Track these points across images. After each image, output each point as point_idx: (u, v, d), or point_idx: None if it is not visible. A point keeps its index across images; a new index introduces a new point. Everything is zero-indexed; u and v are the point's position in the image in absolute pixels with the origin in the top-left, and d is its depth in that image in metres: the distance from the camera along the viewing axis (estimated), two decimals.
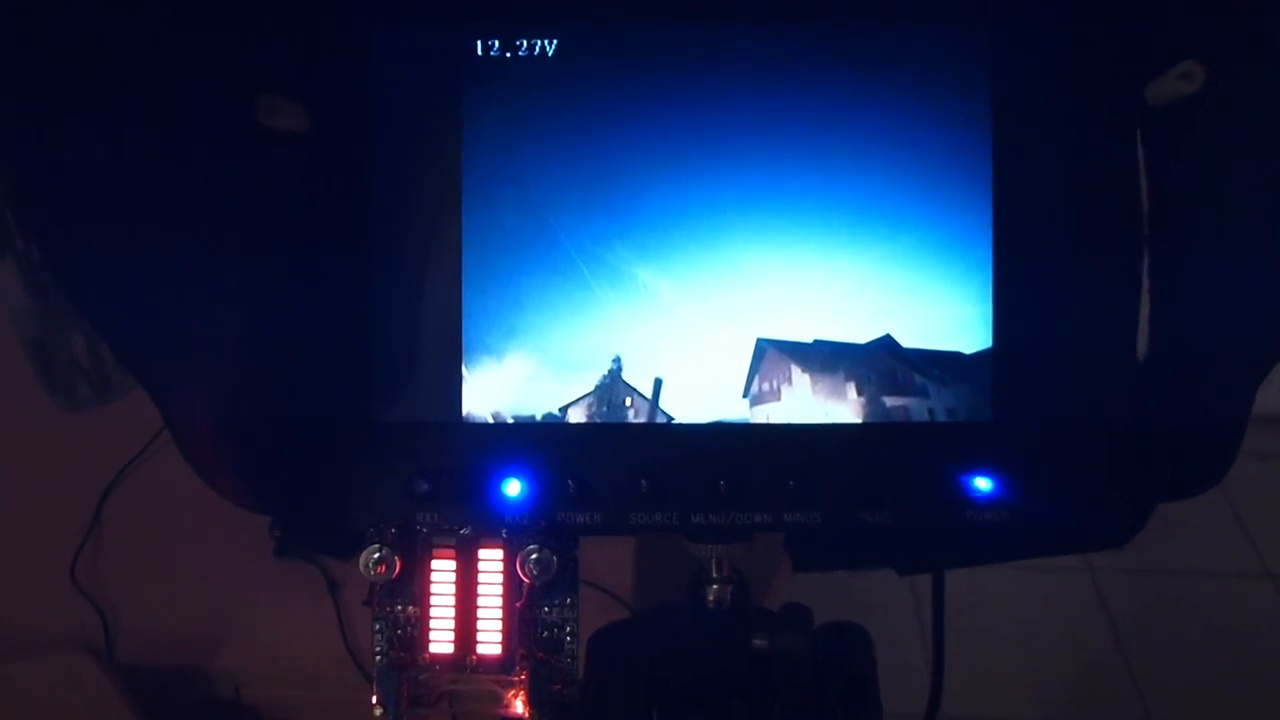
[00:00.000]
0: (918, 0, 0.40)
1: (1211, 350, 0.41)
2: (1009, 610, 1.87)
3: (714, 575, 0.45)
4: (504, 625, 0.42)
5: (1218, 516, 2.08)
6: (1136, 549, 2.04)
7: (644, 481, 0.41)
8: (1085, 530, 0.43)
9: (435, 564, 0.42)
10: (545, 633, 0.43)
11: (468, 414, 0.42)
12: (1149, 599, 1.92)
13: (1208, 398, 0.41)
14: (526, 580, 0.41)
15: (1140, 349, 0.42)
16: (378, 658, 0.43)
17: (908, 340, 0.42)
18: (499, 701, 0.43)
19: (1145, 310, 0.42)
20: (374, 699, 0.43)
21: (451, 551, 0.42)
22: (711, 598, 0.45)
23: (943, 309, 0.42)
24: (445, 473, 0.41)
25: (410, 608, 0.43)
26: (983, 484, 0.41)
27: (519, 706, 0.43)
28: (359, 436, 0.42)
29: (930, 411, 0.42)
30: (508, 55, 0.41)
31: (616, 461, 0.42)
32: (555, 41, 0.41)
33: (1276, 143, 0.38)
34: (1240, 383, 0.39)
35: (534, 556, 0.41)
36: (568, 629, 0.43)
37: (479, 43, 0.41)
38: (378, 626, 0.43)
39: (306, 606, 0.95)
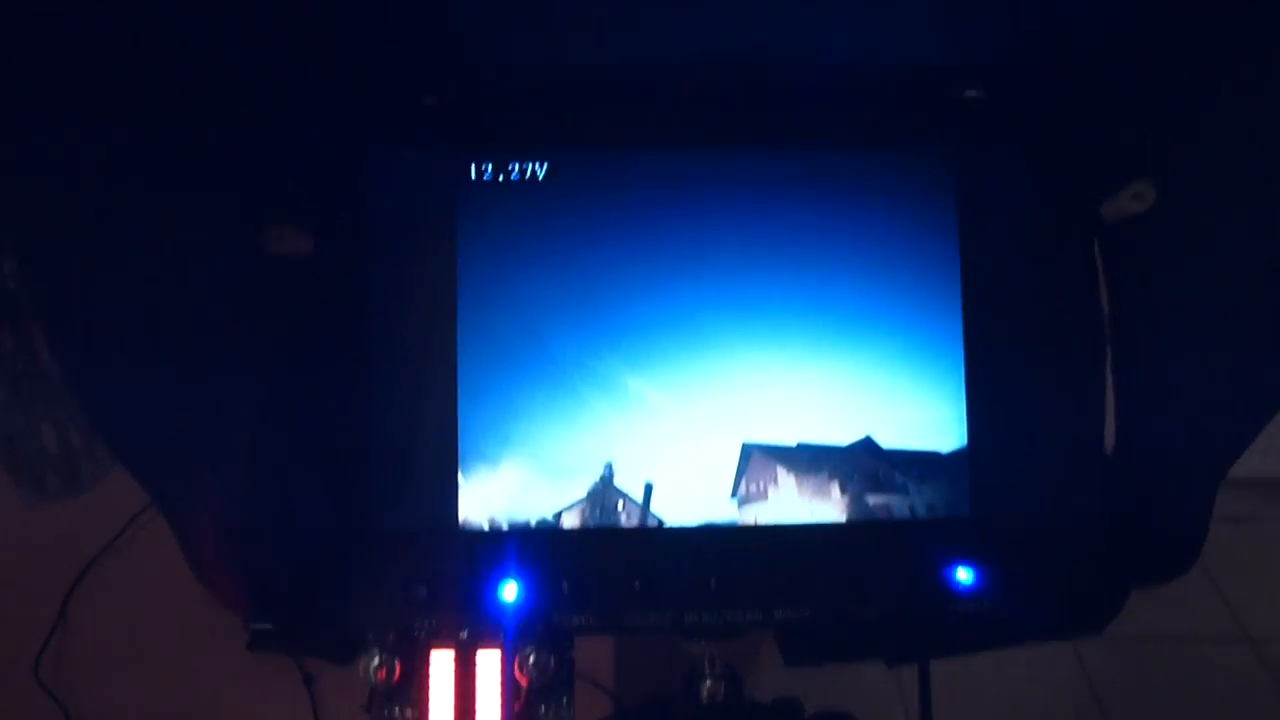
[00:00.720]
0: (886, 125, 0.43)
1: (1175, 447, 0.43)
2: (992, 679, 1.88)
3: (707, 671, 0.46)
4: None
5: (1195, 582, 2.09)
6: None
7: (637, 582, 0.43)
8: (1066, 618, 0.45)
9: (435, 655, 0.42)
10: None
11: (464, 521, 0.44)
12: (1129, 665, 1.94)
13: (1173, 490, 0.43)
14: (524, 682, 0.42)
15: (1108, 445, 0.44)
16: None
17: (887, 441, 0.44)
18: None
19: (1111, 408, 0.44)
20: None
21: (451, 643, 0.42)
22: (705, 693, 0.46)
23: (919, 410, 0.44)
24: (443, 578, 0.43)
25: (409, 710, 0.44)
26: (964, 576, 0.43)
27: None
28: (357, 545, 0.43)
29: (911, 508, 0.44)
30: (500, 178, 0.43)
31: (610, 564, 0.43)
32: (545, 165, 0.43)
33: (1224, 256, 0.40)
34: (1203, 477, 0.41)
35: (531, 659, 0.42)
36: None
37: (473, 166, 0.43)
38: None
39: (282, 701, 0.94)
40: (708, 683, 0.46)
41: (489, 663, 0.43)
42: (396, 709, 0.44)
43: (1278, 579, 2.11)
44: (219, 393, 0.39)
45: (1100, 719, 1.83)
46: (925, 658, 0.47)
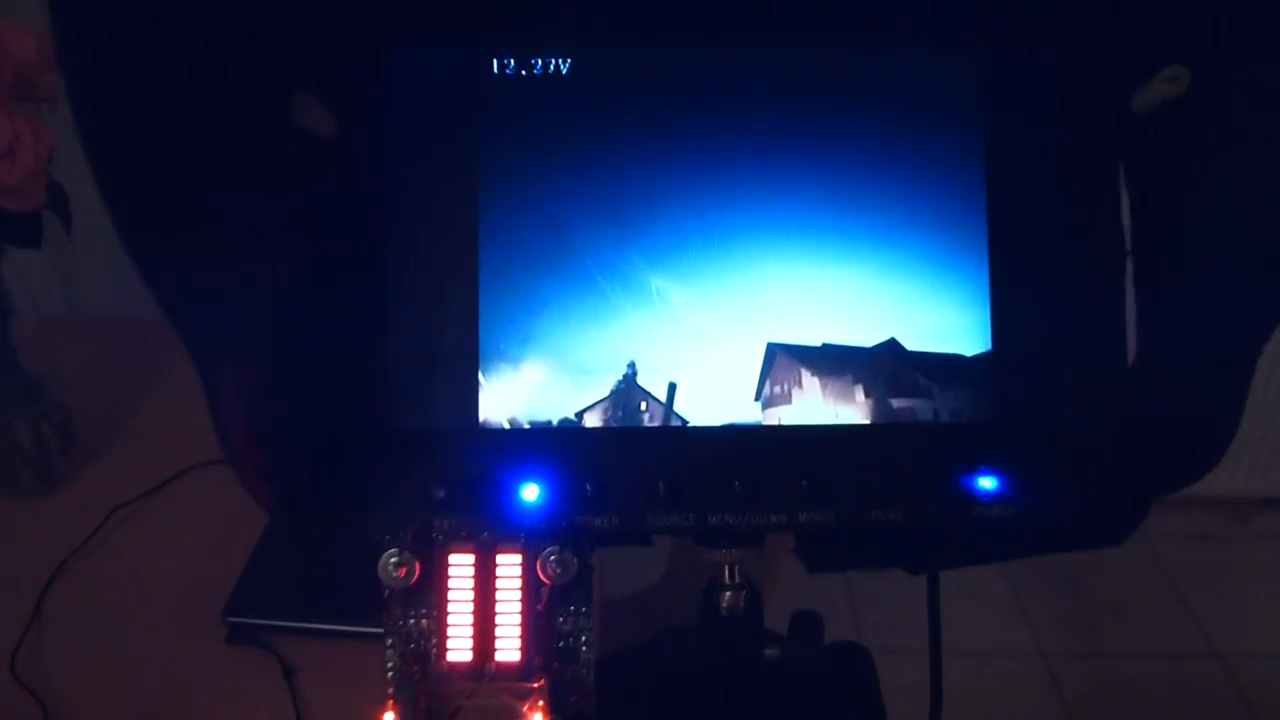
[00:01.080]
0: (914, 24, 0.43)
1: (1195, 351, 0.43)
2: (965, 697, 1.88)
3: (727, 582, 0.45)
4: (523, 631, 0.42)
5: (1164, 599, 2.14)
6: (1087, 633, 2.10)
7: (661, 484, 0.42)
8: (1087, 527, 0.45)
9: (454, 559, 0.42)
10: (561, 642, 0.43)
11: (484, 420, 0.43)
12: (1100, 681, 1.95)
13: (1194, 395, 0.43)
14: (547, 581, 0.42)
15: (1129, 352, 0.44)
16: (390, 673, 0.43)
17: (911, 344, 0.44)
18: (515, 715, 0.43)
19: (1131, 315, 0.44)
20: (386, 712, 0.42)
21: (470, 546, 0.42)
22: (725, 604, 0.45)
23: (944, 314, 0.44)
24: (462, 479, 0.42)
25: (424, 620, 0.43)
26: (987, 483, 0.43)
27: (537, 718, 0.42)
28: (377, 444, 0.43)
29: (935, 412, 0.44)
30: (523, 73, 0.43)
31: (633, 465, 0.43)
32: (569, 61, 0.43)
33: (1248, 159, 0.41)
34: (1226, 380, 0.41)
35: (554, 557, 0.41)
36: (584, 638, 0.43)
37: (494, 61, 0.43)
38: (390, 641, 0.43)
39: (261, 694, 0.92)
40: (728, 594, 0.46)
41: (509, 565, 0.42)
42: (410, 618, 0.43)
43: (1245, 597, 2.13)
44: (249, 271, 0.39)
45: None
46: (948, 566, 0.47)
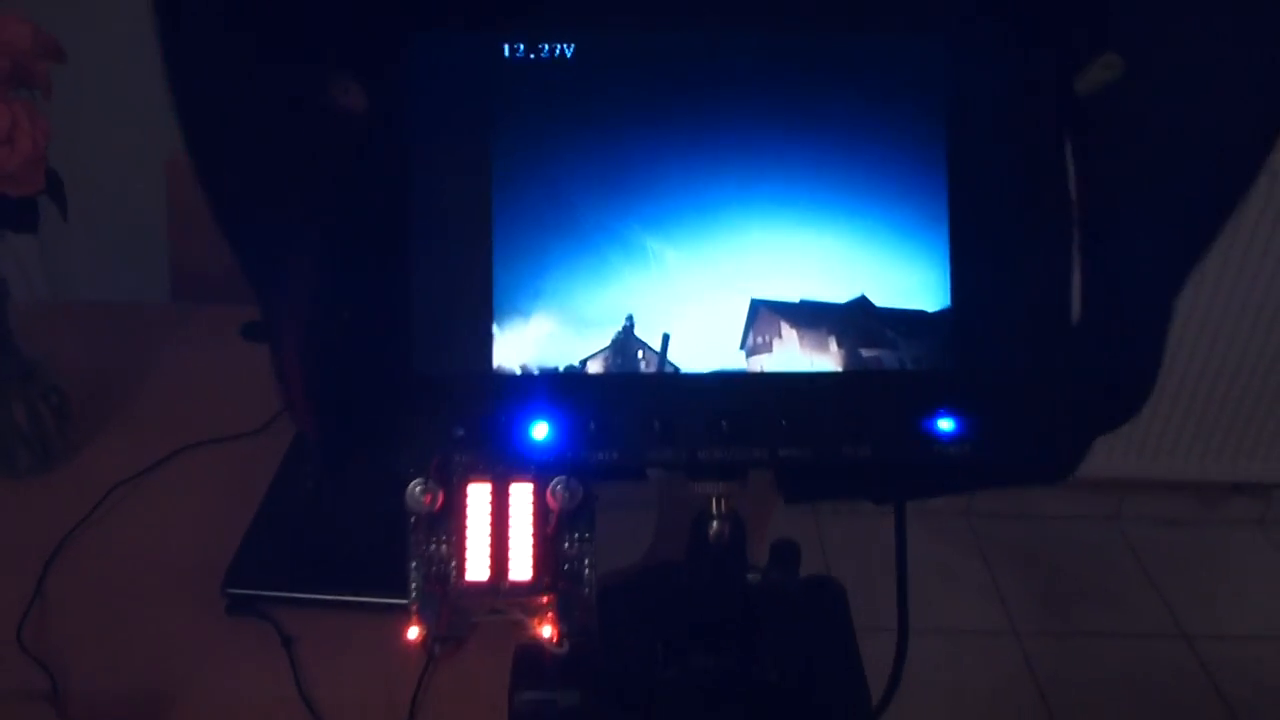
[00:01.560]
0: (882, 12, 0.49)
1: (1124, 309, 0.50)
2: (938, 674, 1.94)
3: (714, 513, 0.51)
4: (534, 553, 0.47)
5: (1134, 581, 2.21)
6: (1059, 612, 2.16)
7: (656, 423, 0.48)
8: (1034, 464, 0.51)
9: (472, 489, 0.47)
10: (567, 565, 0.48)
11: (498, 367, 0.49)
12: (1071, 660, 2.02)
13: (1123, 348, 0.49)
14: (555, 507, 0.47)
15: (1074, 311, 0.50)
16: (413, 592, 0.48)
17: (880, 300, 0.50)
18: (526, 627, 0.48)
19: (1077, 277, 0.50)
20: (411, 625, 0.48)
21: (487, 478, 0.47)
22: (712, 533, 0.51)
23: (908, 274, 0.50)
24: (479, 419, 0.47)
25: (444, 546, 0.48)
26: (945, 424, 0.49)
27: (545, 630, 0.48)
28: (403, 388, 0.48)
29: (900, 361, 0.50)
30: (531, 57, 0.48)
31: (631, 406, 0.48)
32: (574, 46, 0.48)
33: (1178, 137, 0.47)
34: (1147, 335, 0.48)
35: (561, 485, 0.47)
36: (586, 561, 0.49)
37: (505, 46, 0.48)
38: (414, 564, 0.48)
39: (261, 662, 0.94)
40: (714, 524, 0.51)
41: (522, 494, 0.48)
42: (433, 542, 0.48)
43: (1213, 580, 2.21)
44: (298, 235, 0.44)
45: (1043, 709, 1.90)
46: (910, 498, 0.53)
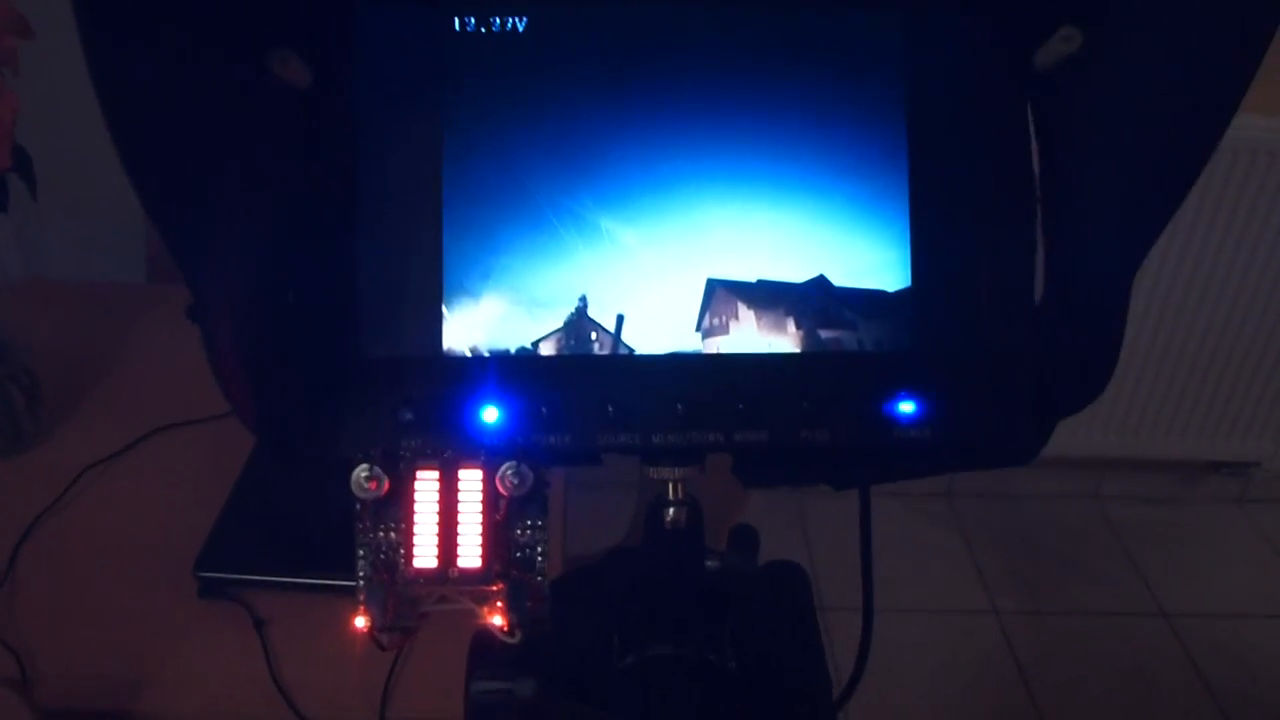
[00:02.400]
0: None
1: (1085, 289, 0.49)
2: (919, 653, 1.94)
3: (670, 499, 0.51)
4: (483, 540, 0.46)
5: (1114, 559, 2.22)
6: (1039, 591, 2.18)
7: (610, 407, 0.47)
8: (997, 448, 0.50)
9: (420, 475, 0.46)
10: (518, 553, 0.47)
11: (448, 349, 0.48)
12: (1051, 639, 2.03)
13: (1085, 329, 0.49)
14: (505, 493, 0.46)
15: (1037, 291, 0.49)
16: (361, 580, 0.47)
17: (839, 280, 0.49)
18: (476, 616, 0.47)
19: (1040, 256, 0.49)
20: (358, 616, 0.46)
21: (434, 465, 0.46)
22: (669, 519, 0.50)
23: (868, 253, 0.49)
24: (428, 403, 0.46)
25: (392, 533, 0.47)
26: (906, 407, 0.48)
27: (496, 620, 0.47)
28: (349, 372, 0.47)
29: (859, 343, 0.49)
30: (483, 30, 0.47)
31: (584, 389, 0.47)
32: (526, 19, 0.47)
33: (1140, 111, 0.46)
34: (1108, 316, 0.47)
35: (510, 471, 0.46)
36: (539, 549, 0.48)
37: (456, 19, 0.47)
38: (361, 552, 0.47)
39: (233, 645, 0.95)
40: (670, 510, 0.50)
41: (471, 480, 0.46)
42: (380, 530, 0.47)
43: (1191, 558, 2.22)
44: (236, 214, 0.43)
45: (1023, 687, 1.91)
46: (871, 482, 0.51)
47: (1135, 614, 2.09)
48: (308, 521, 0.91)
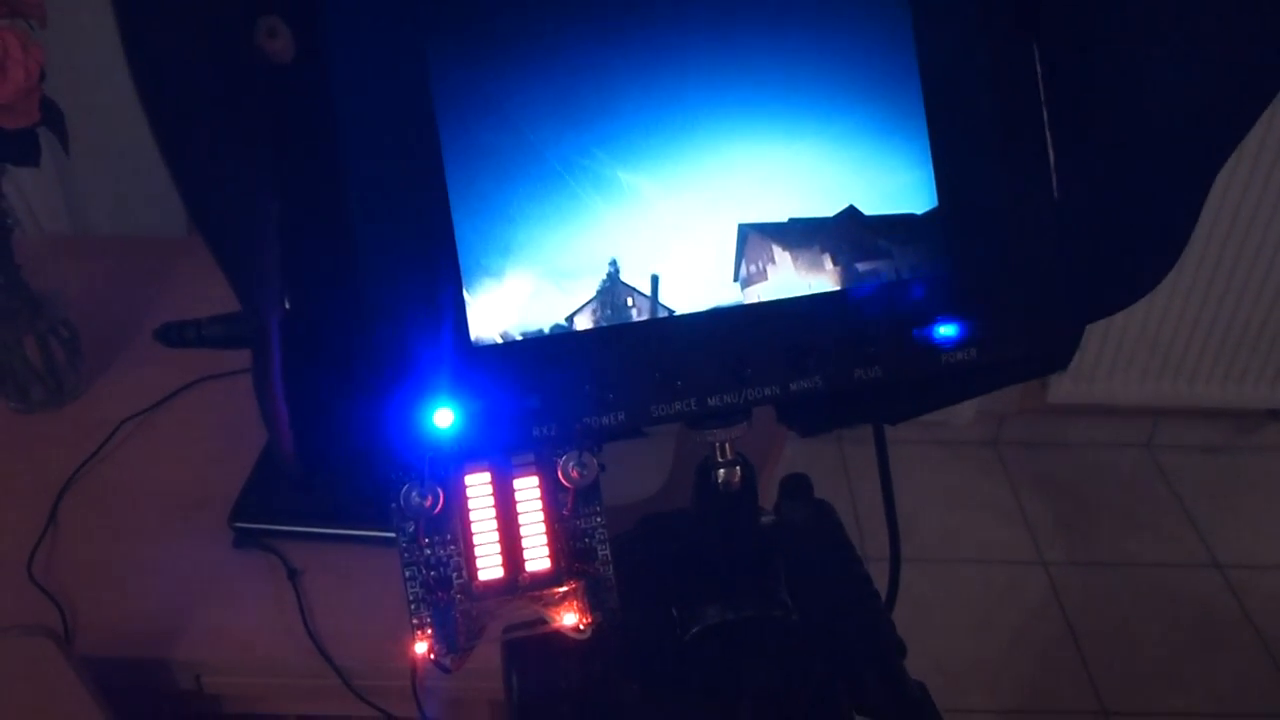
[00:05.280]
0: None
1: (1103, 196, 0.49)
2: (965, 604, 1.93)
3: (720, 460, 0.50)
4: (548, 538, 0.45)
5: (1166, 509, 2.19)
6: (1088, 542, 2.15)
7: (657, 374, 0.46)
8: (1036, 355, 0.50)
9: (470, 480, 0.45)
10: (578, 543, 0.45)
11: (476, 339, 0.45)
12: (1100, 590, 2.02)
13: (1114, 235, 0.49)
14: (569, 485, 0.45)
15: (1055, 194, 0.50)
16: (412, 604, 0.45)
17: (868, 208, 0.49)
18: (545, 621, 0.45)
19: (1051, 160, 0.49)
20: (422, 646, 0.44)
21: (485, 466, 0.45)
22: (721, 480, 0.49)
23: (893, 176, 0.49)
24: (464, 399, 0.44)
25: (440, 548, 0.45)
26: (947, 330, 0.48)
27: (569, 619, 0.44)
28: (369, 378, 0.44)
29: (896, 271, 0.49)
30: None
31: (628, 360, 0.46)
32: None
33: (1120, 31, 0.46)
34: (1137, 220, 0.48)
35: (573, 461, 0.45)
36: (598, 535, 0.47)
37: None
38: (409, 572, 0.45)
39: (267, 594, 0.98)
40: (722, 471, 0.50)
41: (526, 477, 0.45)
42: (425, 547, 0.45)
43: (1247, 507, 2.19)
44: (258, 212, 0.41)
45: (1070, 639, 1.88)
46: (919, 413, 0.53)
47: (1188, 565, 2.07)
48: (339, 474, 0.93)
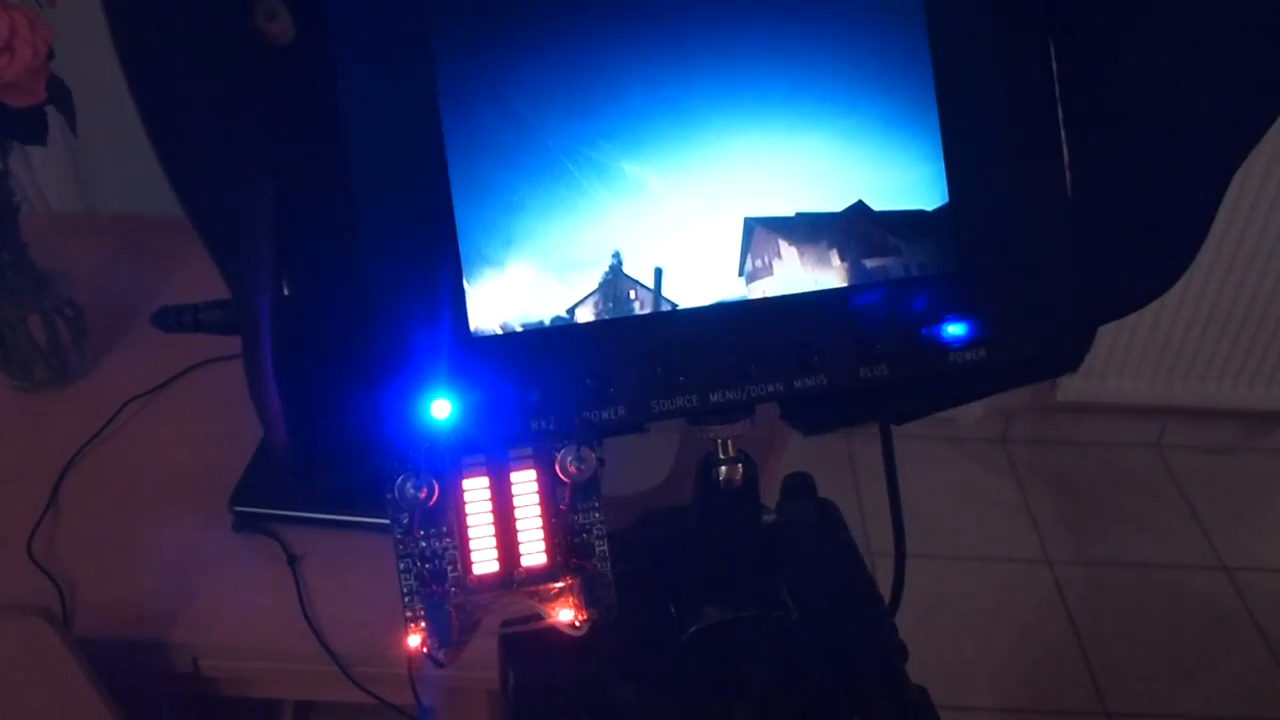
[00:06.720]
0: None
1: (1117, 194, 0.49)
2: (970, 601, 1.92)
3: (721, 457, 0.49)
4: (545, 534, 0.45)
5: (1173, 510, 2.17)
6: (1094, 541, 2.14)
7: (659, 369, 0.45)
8: (1045, 357, 0.49)
9: (467, 484, 0.44)
10: (576, 539, 0.45)
11: (476, 330, 0.45)
12: (1105, 590, 2.01)
13: (1132, 233, 0.49)
14: (567, 480, 0.45)
15: (1068, 191, 0.49)
16: (406, 596, 0.45)
17: (877, 204, 0.48)
18: (541, 616, 0.44)
19: (1065, 157, 0.49)
20: (415, 639, 0.44)
21: (483, 470, 0.44)
22: (722, 477, 0.49)
23: (903, 171, 0.48)
24: (462, 391, 0.43)
25: (435, 540, 0.45)
26: (956, 329, 0.48)
27: (564, 615, 0.44)
28: (368, 370, 0.43)
29: (905, 268, 0.48)
30: None
31: (630, 354, 0.46)
32: None
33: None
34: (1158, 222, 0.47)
35: (571, 456, 0.44)
36: (596, 531, 0.47)
37: None
38: (403, 565, 0.45)
39: (265, 579, 0.98)
40: (724, 468, 0.49)
41: (523, 471, 0.45)
42: (420, 540, 0.45)
43: (1255, 509, 2.18)
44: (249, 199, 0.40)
45: (1075, 638, 1.88)
46: (926, 413, 0.53)
47: (1194, 566, 2.06)
48: (340, 462, 0.93)
